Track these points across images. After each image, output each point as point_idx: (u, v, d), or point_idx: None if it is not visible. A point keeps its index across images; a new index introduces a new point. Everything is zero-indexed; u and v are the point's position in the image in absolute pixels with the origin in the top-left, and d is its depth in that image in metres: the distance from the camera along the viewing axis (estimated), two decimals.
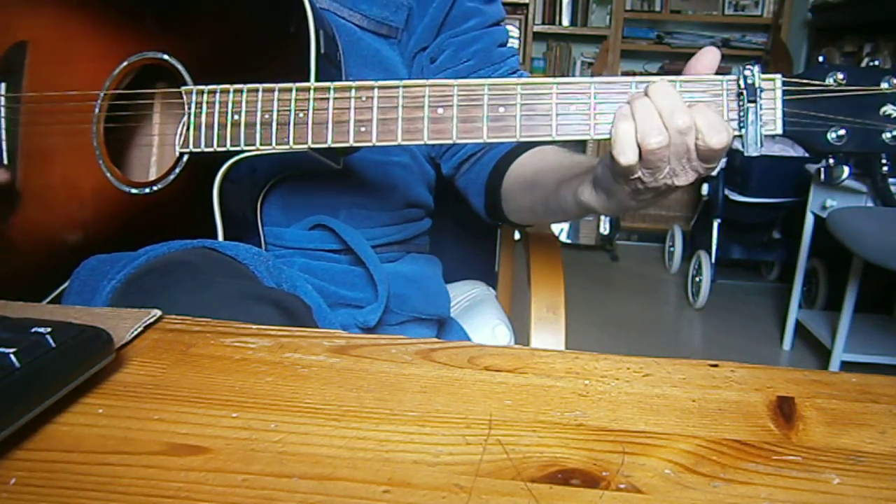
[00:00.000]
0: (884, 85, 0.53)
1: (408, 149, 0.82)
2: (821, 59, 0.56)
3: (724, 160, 2.64)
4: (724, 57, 0.56)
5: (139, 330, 0.43)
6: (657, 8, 3.59)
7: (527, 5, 3.51)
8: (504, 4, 0.86)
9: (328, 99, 0.60)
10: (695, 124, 0.52)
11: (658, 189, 0.55)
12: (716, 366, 0.41)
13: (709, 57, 0.55)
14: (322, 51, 0.63)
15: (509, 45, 0.86)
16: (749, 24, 3.59)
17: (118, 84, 0.69)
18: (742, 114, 0.54)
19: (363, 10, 0.77)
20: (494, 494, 0.28)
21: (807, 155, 2.42)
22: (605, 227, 3.43)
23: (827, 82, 0.54)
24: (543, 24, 3.58)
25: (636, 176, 0.54)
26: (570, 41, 3.67)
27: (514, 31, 3.46)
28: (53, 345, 0.34)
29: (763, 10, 3.51)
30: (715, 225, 2.72)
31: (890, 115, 0.53)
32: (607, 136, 0.56)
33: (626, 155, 0.53)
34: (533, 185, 0.74)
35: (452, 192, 0.90)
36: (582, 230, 3.48)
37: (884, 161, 0.55)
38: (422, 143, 0.58)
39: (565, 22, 3.58)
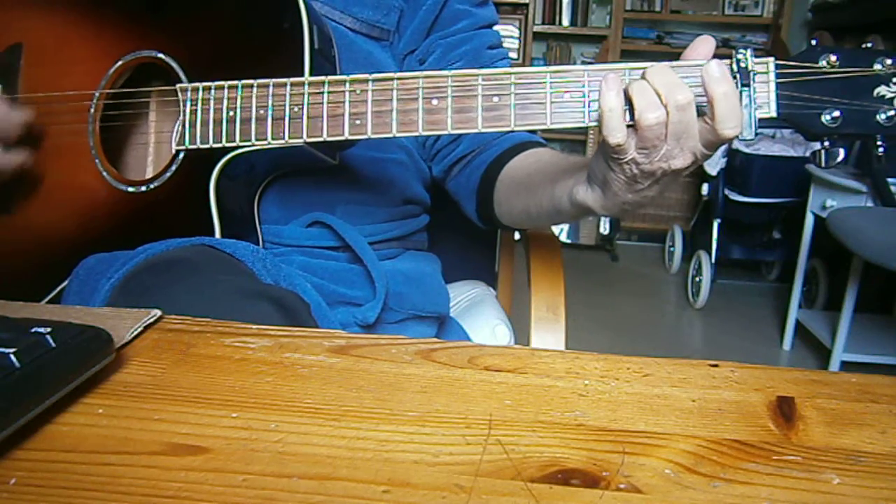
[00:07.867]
0: (877, 66, 0.52)
1: (404, 146, 0.81)
2: (813, 42, 0.55)
3: (724, 160, 2.64)
4: (724, 57, 0.56)
5: (139, 330, 0.43)
6: (657, 8, 3.59)
7: (527, 5, 3.50)
8: (504, 4, 0.85)
9: (322, 93, 0.59)
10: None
11: (654, 174, 0.54)
12: (716, 366, 0.41)
13: (705, 46, 0.53)
14: (316, 46, 0.63)
15: (503, 47, 0.85)
16: (749, 24, 3.59)
17: (114, 83, 0.69)
18: None
19: (354, 12, 0.77)
20: (494, 494, 0.28)
21: (806, 155, 2.42)
22: (605, 227, 3.43)
23: (820, 64, 0.53)
24: (543, 24, 3.57)
25: (630, 157, 0.53)
26: (570, 41, 3.67)
27: (513, 31, 3.45)
28: (53, 345, 0.34)
29: (763, 10, 3.51)
30: (715, 225, 2.72)
31: (883, 96, 0.52)
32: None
33: (615, 135, 0.51)
34: (527, 187, 0.72)
35: None
36: (582, 230, 3.48)
37: (879, 143, 0.54)
38: (417, 134, 0.58)
39: (565, 22, 3.58)
